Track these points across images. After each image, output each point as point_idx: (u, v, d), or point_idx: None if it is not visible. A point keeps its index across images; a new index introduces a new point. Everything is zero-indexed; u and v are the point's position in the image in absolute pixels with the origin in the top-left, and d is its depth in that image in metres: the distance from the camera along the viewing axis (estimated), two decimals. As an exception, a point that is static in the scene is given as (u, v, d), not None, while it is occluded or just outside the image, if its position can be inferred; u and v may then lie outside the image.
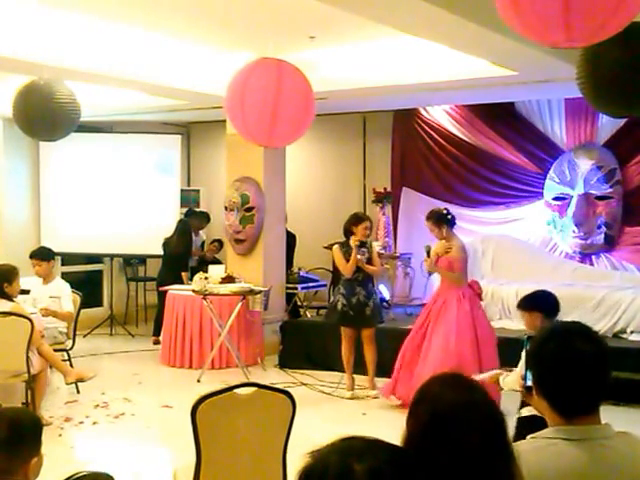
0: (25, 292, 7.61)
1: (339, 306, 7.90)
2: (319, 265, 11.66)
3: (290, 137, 5.69)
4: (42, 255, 8.19)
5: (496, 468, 1.78)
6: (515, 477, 1.81)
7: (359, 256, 7.76)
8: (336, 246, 8.08)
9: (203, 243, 12.07)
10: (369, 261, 7.89)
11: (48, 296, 7.91)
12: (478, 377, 4.89)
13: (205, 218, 12.03)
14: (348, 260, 7.85)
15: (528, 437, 2.20)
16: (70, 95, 7.13)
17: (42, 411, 6.92)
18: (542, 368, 2.23)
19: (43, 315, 7.59)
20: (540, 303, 4.75)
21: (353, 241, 7.80)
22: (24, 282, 7.44)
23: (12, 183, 11.41)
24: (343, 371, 8.55)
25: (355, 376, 8.18)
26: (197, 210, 12.18)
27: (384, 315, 8.39)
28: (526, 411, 4.55)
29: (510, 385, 4.55)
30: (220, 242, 11.66)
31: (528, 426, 4.40)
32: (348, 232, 7.97)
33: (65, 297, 7.98)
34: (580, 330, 2.27)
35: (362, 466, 1.35)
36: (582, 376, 2.17)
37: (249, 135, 5.54)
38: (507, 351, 7.67)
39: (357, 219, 8.04)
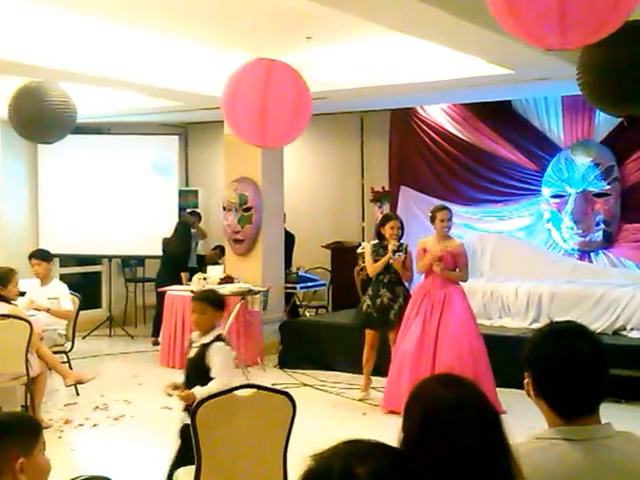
0: (20, 294, 7.60)
1: (364, 307, 7.77)
2: (318, 265, 11.67)
3: (284, 137, 5.64)
4: (42, 255, 8.19)
5: (494, 466, 1.76)
6: (515, 476, 1.80)
7: (391, 260, 7.55)
8: (369, 245, 7.98)
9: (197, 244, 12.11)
10: (402, 264, 7.65)
11: (46, 297, 7.90)
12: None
13: (196, 216, 12.06)
14: (376, 261, 7.68)
15: (530, 437, 2.19)
16: (64, 97, 7.11)
17: (42, 413, 6.92)
18: (539, 369, 2.21)
19: (40, 309, 7.64)
20: (212, 299, 4.71)
21: (391, 245, 7.55)
22: (21, 284, 7.43)
23: (10, 185, 11.41)
24: (343, 370, 8.59)
25: (356, 376, 8.18)
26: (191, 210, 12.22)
27: None
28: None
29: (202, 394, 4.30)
30: (222, 249, 11.58)
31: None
32: (379, 233, 7.80)
33: (63, 297, 7.98)
34: (577, 330, 2.25)
35: (364, 469, 1.34)
36: (580, 377, 2.15)
37: (242, 135, 5.52)
38: (506, 349, 7.70)
39: (385, 219, 7.92)
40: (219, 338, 4.56)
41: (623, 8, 3.25)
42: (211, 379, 4.41)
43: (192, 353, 4.59)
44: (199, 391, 4.35)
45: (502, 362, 7.30)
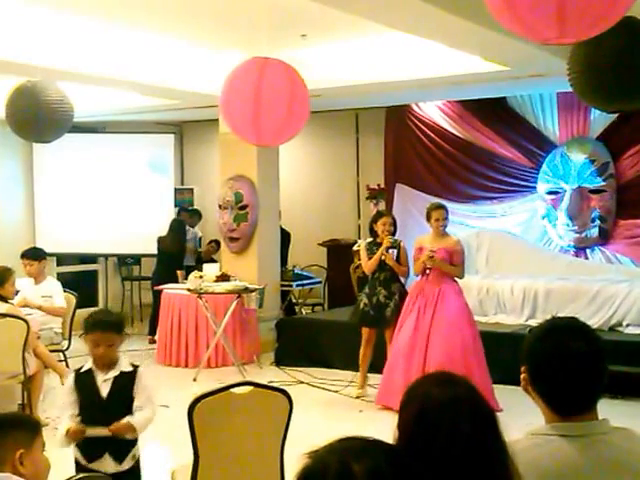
0: (16, 293, 7.59)
1: (361, 305, 7.75)
2: (314, 262, 11.67)
3: (281, 135, 5.63)
4: (33, 255, 8.15)
5: (490, 463, 1.76)
6: (511, 473, 1.81)
7: (383, 257, 7.54)
8: (364, 243, 7.97)
9: (200, 239, 12.10)
10: (397, 260, 7.63)
11: (40, 296, 7.87)
12: None
13: (197, 215, 12.07)
14: (370, 258, 7.66)
15: (526, 433, 2.19)
16: (60, 96, 7.10)
17: (39, 412, 6.91)
18: (536, 365, 2.21)
19: (32, 307, 7.62)
20: (118, 327, 4.26)
21: (386, 241, 7.55)
22: (17, 283, 7.41)
23: (6, 184, 11.40)
24: (339, 368, 8.58)
25: (352, 374, 8.18)
26: (189, 208, 12.23)
27: None
28: None
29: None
30: (218, 243, 11.63)
31: None
32: (372, 230, 7.80)
33: (56, 294, 7.96)
34: (576, 328, 2.25)
35: (361, 466, 1.34)
36: (578, 375, 2.15)
37: (239, 134, 5.53)
38: (503, 346, 7.72)
39: (377, 215, 7.93)
40: (136, 364, 4.25)
41: (622, 2, 3.22)
42: (131, 409, 4.01)
43: (108, 386, 4.09)
44: (137, 420, 3.96)
45: (498, 359, 7.32)
